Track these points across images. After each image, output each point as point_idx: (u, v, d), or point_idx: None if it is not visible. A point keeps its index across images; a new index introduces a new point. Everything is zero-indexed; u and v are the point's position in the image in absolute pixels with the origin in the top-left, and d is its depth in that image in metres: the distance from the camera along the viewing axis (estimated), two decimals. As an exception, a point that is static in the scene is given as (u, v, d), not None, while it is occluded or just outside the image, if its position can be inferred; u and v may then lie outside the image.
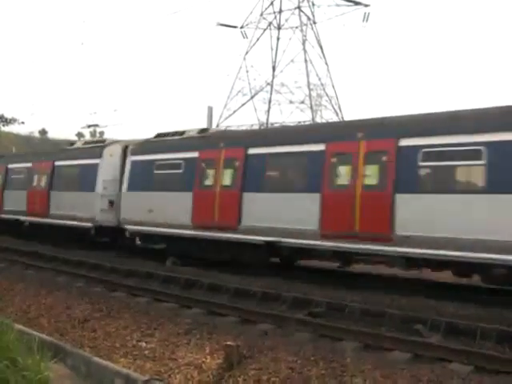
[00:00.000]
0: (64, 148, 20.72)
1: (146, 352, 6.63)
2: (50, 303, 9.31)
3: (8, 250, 16.83)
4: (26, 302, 9.58)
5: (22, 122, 34.48)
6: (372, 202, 10.04)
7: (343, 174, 10.66)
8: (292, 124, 33.21)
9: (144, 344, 6.90)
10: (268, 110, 41.38)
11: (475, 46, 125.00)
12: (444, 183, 9.78)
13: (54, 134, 78.40)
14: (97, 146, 17.98)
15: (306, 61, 40.06)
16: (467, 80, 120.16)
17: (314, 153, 11.21)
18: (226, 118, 41.87)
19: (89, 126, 28.46)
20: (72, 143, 20.96)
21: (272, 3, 41.45)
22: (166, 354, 6.51)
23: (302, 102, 39.72)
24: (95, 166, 16.69)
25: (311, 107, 39.31)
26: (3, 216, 21.19)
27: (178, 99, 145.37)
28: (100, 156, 16.76)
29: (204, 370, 5.94)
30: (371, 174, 10.20)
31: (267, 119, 41.00)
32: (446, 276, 11.93)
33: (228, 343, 6.14)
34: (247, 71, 42.10)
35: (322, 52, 41.46)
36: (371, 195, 10.09)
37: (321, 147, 11.09)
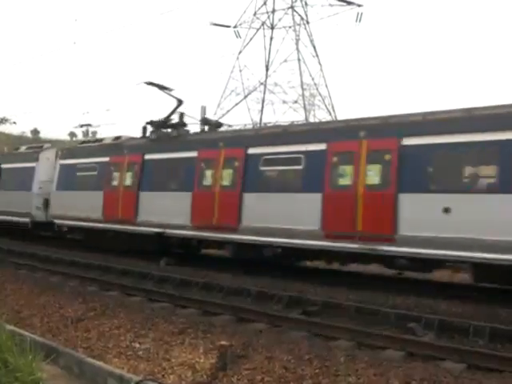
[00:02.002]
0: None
1: (140, 352, 6.60)
2: (42, 303, 9.25)
3: (1, 250, 16.72)
4: (18, 302, 9.51)
5: (14, 122, 34.30)
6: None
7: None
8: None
9: (138, 344, 6.87)
10: (261, 110, 41.43)
11: (470, 45, 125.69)
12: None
13: (46, 133, 77.91)
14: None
15: (299, 60, 40.11)
16: (461, 79, 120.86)
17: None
18: (220, 118, 41.73)
19: (81, 126, 28.36)
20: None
21: (265, 3, 41.46)
22: (160, 353, 6.49)
23: (296, 102, 39.78)
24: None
25: (304, 107, 39.36)
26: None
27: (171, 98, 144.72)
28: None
29: (198, 370, 5.92)
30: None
31: (260, 119, 41.03)
32: (440, 275, 12.01)
33: (222, 343, 6.13)
34: (240, 71, 42.11)
35: (316, 52, 41.55)
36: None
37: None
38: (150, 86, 15.99)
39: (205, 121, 16.14)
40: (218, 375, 5.77)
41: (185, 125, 15.91)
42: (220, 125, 16.55)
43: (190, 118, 16.03)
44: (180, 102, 15.86)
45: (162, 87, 16.15)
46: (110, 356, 6.54)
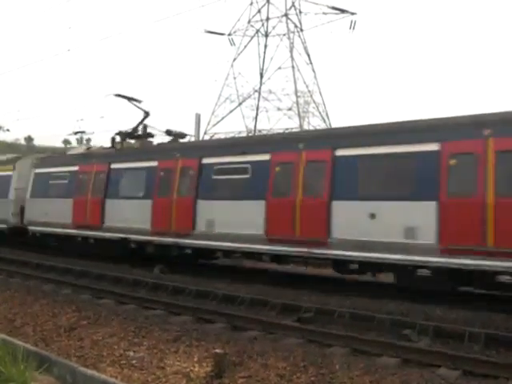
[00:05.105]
0: None
1: (134, 361, 6.53)
2: (36, 311, 9.16)
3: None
4: (11, 310, 9.41)
5: (8, 130, 34.16)
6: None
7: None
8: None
9: (132, 353, 6.81)
10: (256, 117, 41.50)
11: (466, 48, 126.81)
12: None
13: (40, 141, 77.66)
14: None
15: (293, 68, 40.25)
16: (457, 84, 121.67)
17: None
18: (214, 125, 41.90)
19: (75, 133, 28.23)
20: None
21: (259, 11, 41.64)
22: (154, 362, 6.43)
23: (290, 109, 39.89)
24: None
25: (299, 114, 39.46)
26: None
27: (165, 106, 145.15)
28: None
29: (192, 379, 5.88)
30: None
31: (255, 126, 41.12)
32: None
33: (217, 351, 6.08)
34: (235, 78, 42.22)
35: (309, 59, 41.75)
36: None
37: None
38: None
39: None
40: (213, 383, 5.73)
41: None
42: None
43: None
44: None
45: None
46: (103, 365, 6.47)
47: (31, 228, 18.80)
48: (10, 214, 19.72)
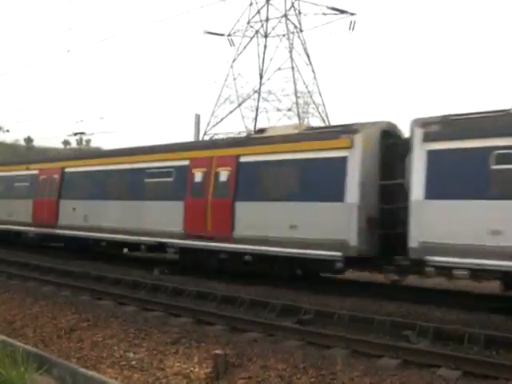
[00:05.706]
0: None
1: (134, 362, 6.53)
2: (35, 313, 9.15)
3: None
4: (10, 312, 9.40)
5: (7, 131, 34.18)
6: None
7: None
8: None
9: (131, 354, 6.81)
10: (255, 118, 41.47)
11: (465, 49, 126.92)
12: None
13: (39, 142, 77.53)
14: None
15: (292, 68, 40.24)
16: (457, 85, 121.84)
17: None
18: (214, 126, 41.89)
19: (75, 134, 28.29)
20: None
21: (259, 11, 41.64)
22: (154, 363, 6.43)
23: (290, 110, 39.89)
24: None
25: (298, 115, 39.47)
26: None
27: (165, 107, 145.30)
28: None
29: (192, 380, 5.88)
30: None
31: (255, 127, 41.09)
32: (433, 282, 12.03)
33: (216, 352, 6.08)
34: (234, 79, 42.19)
35: (309, 60, 41.73)
36: None
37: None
38: None
39: None
40: (212, 385, 5.72)
41: None
42: None
43: None
44: None
45: None
46: (103, 366, 6.47)
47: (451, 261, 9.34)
48: (351, 231, 10.54)
